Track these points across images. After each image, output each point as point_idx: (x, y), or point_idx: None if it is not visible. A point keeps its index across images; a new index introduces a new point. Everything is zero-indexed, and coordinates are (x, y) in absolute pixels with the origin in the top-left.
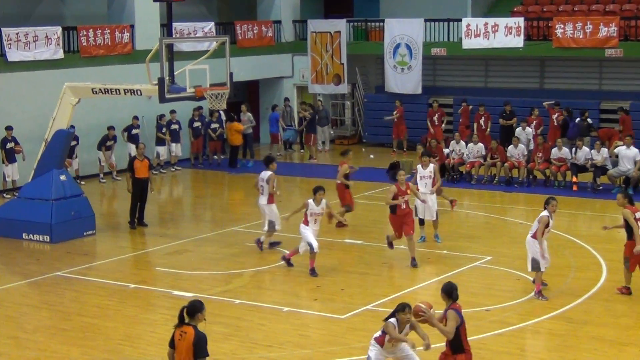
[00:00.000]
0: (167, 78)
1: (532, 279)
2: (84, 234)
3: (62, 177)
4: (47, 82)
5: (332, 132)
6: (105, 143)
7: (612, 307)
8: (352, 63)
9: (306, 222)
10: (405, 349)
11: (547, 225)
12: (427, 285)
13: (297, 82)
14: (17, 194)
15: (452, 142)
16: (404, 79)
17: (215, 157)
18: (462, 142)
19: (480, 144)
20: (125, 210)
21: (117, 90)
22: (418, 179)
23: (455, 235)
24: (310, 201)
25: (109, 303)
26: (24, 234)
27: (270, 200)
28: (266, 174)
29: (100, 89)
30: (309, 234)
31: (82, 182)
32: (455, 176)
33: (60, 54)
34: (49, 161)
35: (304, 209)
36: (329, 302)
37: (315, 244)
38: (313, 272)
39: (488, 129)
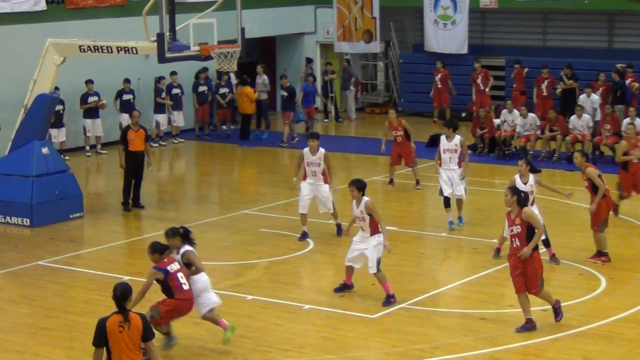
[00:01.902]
0: (168, 34)
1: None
2: (70, 216)
3: (45, 150)
4: (27, 38)
5: (346, 94)
6: (87, 100)
7: None
8: (386, 17)
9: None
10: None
11: (512, 182)
12: (472, 280)
13: (320, 40)
14: None
15: (503, 111)
16: (446, 36)
17: (224, 127)
18: (516, 112)
19: (531, 115)
20: (117, 189)
21: (109, 48)
22: (442, 152)
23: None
24: None
25: (98, 298)
26: None
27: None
28: None
29: (89, 47)
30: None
31: (67, 157)
32: (507, 152)
33: (42, 5)
34: (29, 131)
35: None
36: (357, 298)
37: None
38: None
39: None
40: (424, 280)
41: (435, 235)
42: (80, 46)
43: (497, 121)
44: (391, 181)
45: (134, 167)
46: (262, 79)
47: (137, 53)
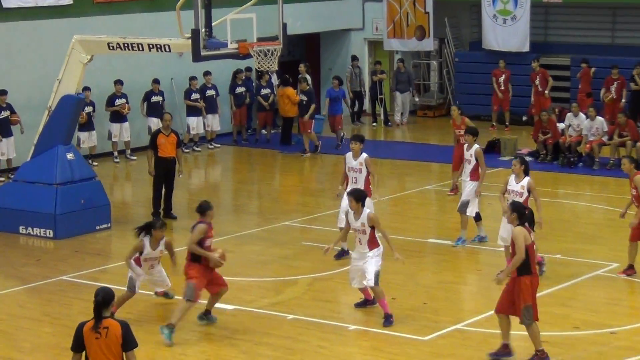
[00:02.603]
0: (203, 30)
1: None
2: (97, 228)
3: (70, 156)
4: (51, 34)
5: (417, 99)
6: (114, 103)
7: None
8: (440, 12)
9: None
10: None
11: (506, 184)
12: None
13: (369, 36)
14: (12, 176)
15: (568, 114)
16: (506, 32)
17: (264, 131)
18: (582, 115)
19: (599, 119)
20: (147, 198)
21: (140, 46)
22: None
23: (571, 235)
24: None
25: (127, 317)
26: (21, 228)
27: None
28: None
29: (118, 44)
30: None
31: (95, 163)
32: (572, 159)
33: None
34: (53, 135)
35: None
36: (407, 319)
37: None
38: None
39: (623, 99)
40: (481, 300)
41: (493, 250)
42: (108, 43)
43: (561, 125)
44: (454, 188)
45: (163, 174)
46: (305, 78)
47: (169, 51)
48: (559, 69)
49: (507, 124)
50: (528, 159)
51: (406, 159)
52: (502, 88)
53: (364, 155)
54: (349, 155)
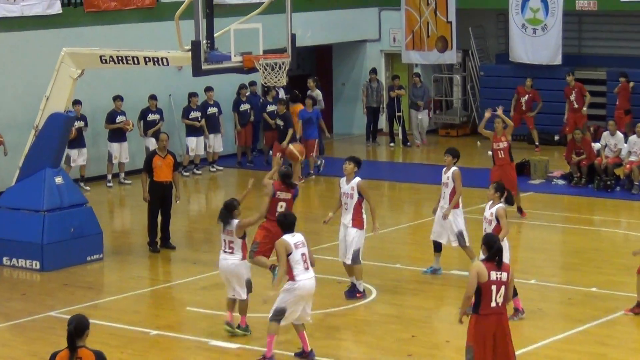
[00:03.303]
0: (205, 42)
1: None
2: (88, 259)
3: (58, 180)
4: (38, 46)
5: (419, 117)
6: (115, 120)
7: None
8: (464, 21)
9: None
10: None
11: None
12: (567, 337)
13: (385, 48)
14: None
15: (604, 133)
16: (536, 43)
17: (272, 152)
18: (619, 134)
19: None
20: (143, 226)
21: (135, 59)
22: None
23: (608, 266)
24: None
25: (121, 356)
26: (4, 259)
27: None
28: None
29: (111, 57)
30: None
31: (87, 187)
32: (609, 182)
33: (57, 8)
34: (41, 157)
35: None
36: (428, 358)
37: None
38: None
39: None
40: None
41: (522, 282)
42: (101, 56)
43: (596, 145)
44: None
45: (159, 200)
46: (315, 93)
47: (168, 64)
48: (594, 84)
49: (536, 143)
50: (561, 182)
51: (426, 182)
52: (524, 109)
53: (357, 179)
54: (343, 179)
